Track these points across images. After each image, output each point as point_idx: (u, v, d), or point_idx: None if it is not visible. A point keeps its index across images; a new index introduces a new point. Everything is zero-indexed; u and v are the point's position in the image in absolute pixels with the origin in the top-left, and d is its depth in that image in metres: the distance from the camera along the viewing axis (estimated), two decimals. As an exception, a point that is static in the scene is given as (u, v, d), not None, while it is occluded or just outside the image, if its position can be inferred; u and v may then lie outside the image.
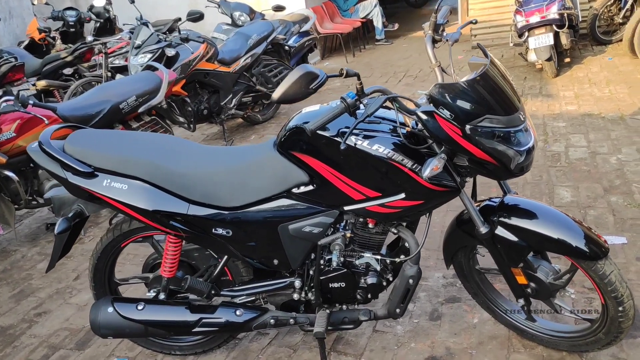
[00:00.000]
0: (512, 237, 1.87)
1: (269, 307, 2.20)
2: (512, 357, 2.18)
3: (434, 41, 1.99)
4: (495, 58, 1.78)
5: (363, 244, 2.01)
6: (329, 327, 2.05)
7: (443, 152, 1.73)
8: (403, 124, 1.80)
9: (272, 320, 2.14)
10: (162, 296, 2.19)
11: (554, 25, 5.60)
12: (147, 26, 5.03)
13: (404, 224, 1.99)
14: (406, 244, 1.98)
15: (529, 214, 1.87)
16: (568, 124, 4.54)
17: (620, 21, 6.42)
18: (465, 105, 1.67)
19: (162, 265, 2.16)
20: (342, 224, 1.98)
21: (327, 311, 2.08)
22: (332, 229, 1.99)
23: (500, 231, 1.88)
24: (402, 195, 1.81)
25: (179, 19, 5.64)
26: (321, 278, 2.03)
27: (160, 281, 2.19)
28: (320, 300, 2.08)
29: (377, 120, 1.82)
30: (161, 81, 4.19)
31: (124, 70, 5.48)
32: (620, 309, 1.83)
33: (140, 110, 4.09)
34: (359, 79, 1.68)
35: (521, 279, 1.98)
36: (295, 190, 1.93)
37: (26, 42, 7.20)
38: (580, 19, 6.38)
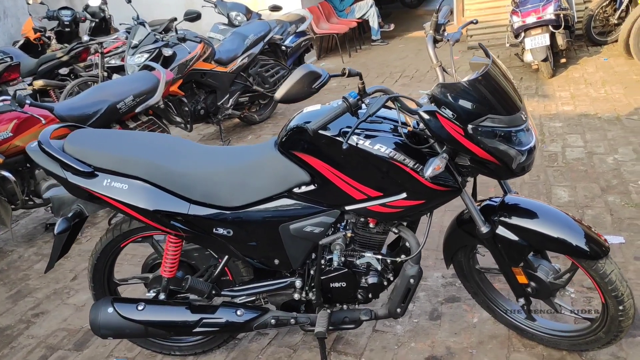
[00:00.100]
0: (513, 237, 1.88)
1: (270, 307, 2.19)
2: (512, 356, 2.19)
3: (435, 41, 1.99)
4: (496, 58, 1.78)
5: (364, 244, 2.01)
6: (329, 327, 2.05)
7: (445, 151, 1.74)
8: (404, 124, 1.80)
9: (272, 320, 2.13)
10: (162, 296, 2.19)
11: (550, 26, 5.62)
12: (144, 26, 5.02)
13: (405, 223, 2.00)
14: (407, 244, 1.99)
15: (530, 214, 1.88)
16: (564, 124, 4.56)
17: (616, 22, 6.45)
18: (467, 104, 1.68)
19: (162, 266, 2.15)
20: (343, 224, 1.98)
21: (328, 311, 2.09)
22: (332, 229, 1.99)
23: (501, 231, 1.89)
24: (404, 195, 1.81)
25: (175, 19, 5.63)
26: (322, 278, 2.03)
27: (160, 281, 2.18)
28: (321, 300, 2.08)
29: (379, 119, 1.82)
30: (158, 81, 4.18)
31: (120, 70, 5.47)
32: (621, 308, 1.85)
33: (138, 110, 4.08)
34: (360, 78, 1.67)
35: (521, 279, 1.99)
36: (296, 190, 1.92)
37: (21, 42, 7.18)
38: (576, 20, 6.41)
